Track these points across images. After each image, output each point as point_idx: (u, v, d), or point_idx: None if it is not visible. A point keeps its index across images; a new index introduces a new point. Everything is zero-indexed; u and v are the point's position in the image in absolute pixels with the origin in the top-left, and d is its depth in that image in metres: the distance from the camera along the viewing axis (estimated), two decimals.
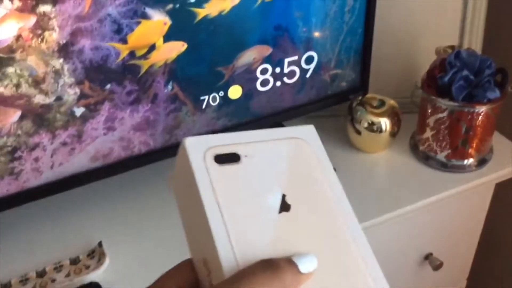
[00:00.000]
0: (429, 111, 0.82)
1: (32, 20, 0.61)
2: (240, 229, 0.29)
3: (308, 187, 0.32)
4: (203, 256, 0.30)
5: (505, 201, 1.09)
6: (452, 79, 0.78)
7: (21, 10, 0.60)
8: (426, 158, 0.87)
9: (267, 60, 0.79)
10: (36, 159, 0.69)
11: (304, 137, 0.34)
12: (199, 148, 0.31)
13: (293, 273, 0.27)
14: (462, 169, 0.85)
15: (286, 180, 0.32)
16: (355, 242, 0.31)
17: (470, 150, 0.84)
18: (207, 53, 0.74)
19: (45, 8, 0.61)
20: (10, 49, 0.61)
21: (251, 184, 0.31)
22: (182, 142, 0.31)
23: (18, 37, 0.61)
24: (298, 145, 0.34)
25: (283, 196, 0.31)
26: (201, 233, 0.29)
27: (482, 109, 0.79)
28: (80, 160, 0.72)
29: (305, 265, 0.28)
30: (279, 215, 0.30)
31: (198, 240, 0.30)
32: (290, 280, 0.27)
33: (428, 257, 0.93)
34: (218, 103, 0.79)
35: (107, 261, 0.71)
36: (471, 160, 0.85)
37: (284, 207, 0.30)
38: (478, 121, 0.80)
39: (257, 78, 0.80)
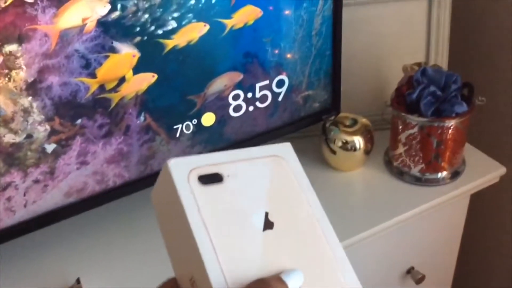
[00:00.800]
0: (400, 127, 0.84)
1: None
2: (227, 249, 0.30)
3: (289, 203, 0.34)
4: (190, 275, 0.30)
5: (482, 211, 1.11)
6: (420, 95, 0.80)
7: None
8: (400, 174, 0.88)
9: (238, 86, 0.80)
10: (9, 199, 0.68)
11: (282, 154, 0.36)
12: (183, 169, 0.31)
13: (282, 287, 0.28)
14: (436, 182, 0.87)
15: (268, 198, 0.33)
16: (334, 255, 0.33)
17: (442, 164, 0.85)
18: (178, 83, 0.74)
19: (11, 47, 0.61)
20: None
21: (235, 204, 0.31)
22: (166, 164, 0.31)
23: None
24: (277, 163, 0.35)
25: (266, 214, 0.32)
26: (188, 252, 0.30)
27: (451, 123, 0.80)
28: (53, 197, 0.72)
29: (293, 281, 0.29)
30: (264, 233, 0.31)
31: (184, 259, 0.31)
32: None
33: (410, 271, 0.94)
34: (192, 131, 0.79)
35: None
36: (444, 173, 0.87)
37: (268, 224, 0.32)
38: (448, 135, 0.82)
39: (229, 104, 0.81)
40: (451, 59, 0.98)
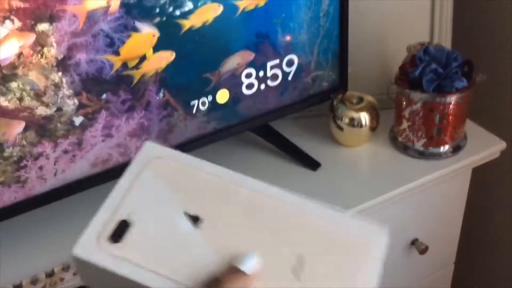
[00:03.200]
0: (404, 104, 0.89)
1: (32, 38, 0.66)
2: (177, 271, 0.29)
3: (195, 191, 0.33)
4: None
5: (484, 185, 1.15)
6: (422, 72, 0.84)
7: (21, 29, 0.65)
8: (404, 148, 0.93)
9: (250, 64, 0.85)
10: (41, 168, 0.74)
11: (151, 156, 0.35)
12: (90, 245, 0.31)
13: (239, 280, 0.27)
14: (438, 156, 0.91)
15: (175, 200, 0.32)
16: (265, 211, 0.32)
17: (444, 138, 0.90)
18: (194, 61, 0.80)
19: (43, 26, 0.66)
20: (13, 66, 0.67)
21: (156, 231, 0.31)
22: (73, 256, 0.31)
23: (20, 55, 0.66)
24: (154, 168, 0.34)
25: (186, 213, 0.32)
26: None
27: (452, 98, 0.85)
28: (81, 167, 0.78)
29: (248, 265, 0.28)
30: (197, 229, 0.31)
31: None
32: (240, 286, 0.27)
33: (414, 242, 0.99)
34: (207, 108, 0.84)
35: None
36: (446, 147, 0.91)
37: (194, 219, 0.31)
38: (449, 110, 0.86)
39: (242, 82, 0.86)
40: (454, 39, 1.02)
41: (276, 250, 0.30)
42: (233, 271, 0.28)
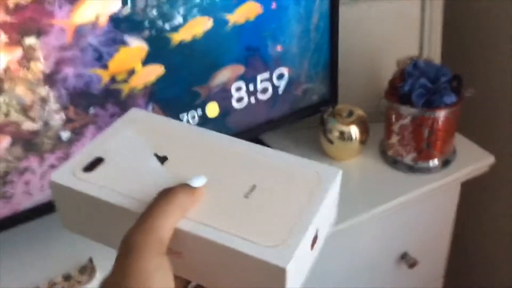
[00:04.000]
0: (394, 118, 0.89)
1: (18, 52, 0.66)
2: (141, 193, 0.33)
3: (167, 140, 0.37)
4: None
5: (473, 199, 1.16)
6: (412, 87, 0.84)
7: (8, 43, 0.64)
8: (394, 162, 0.93)
9: (240, 78, 0.85)
10: (27, 182, 0.73)
11: (134, 117, 0.40)
12: (66, 174, 0.34)
13: (187, 189, 0.32)
14: (428, 170, 0.91)
15: (148, 146, 0.36)
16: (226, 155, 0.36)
17: (434, 152, 0.90)
18: (184, 75, 0.79)
19: (30, 40, 0.66)
20: None
21: (126, 166, 0.35)
22: (51, 181, 0.35)
23: (6, 69, 0.66)
24: (133, 123, 0.39)
25: (155, 154, 0.36)
26: (119, 222, 0.32)
27: (441, 113, 0.85)
28: None
29: (196, 181, 0.33)
30: (164, 167, 0.35)
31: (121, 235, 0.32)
32: (186, 196, 0.31)
33: (403, 256, 0.99)
34: (197, 122, 0.84)
35: (97, 276, 0.75)
36: (436, 162, 0.91)
37: (162, 159, 0.35)
38: (439, 125, 0.87)
39: (232, 96, 0.86)
40: (443, 54, 1.03)
41: (231, 180, 0.34)
42: (181, 185, 0.32)
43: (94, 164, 0.35)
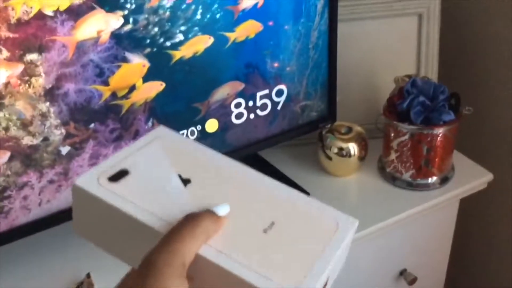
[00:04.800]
0: (392, 135, 0.89)
1: (19, 68, 0.66)
2: (163, 211, 0.33)
3: (191, 162, 0.38)
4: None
5: (471, 215, 1.16)
6: (410, 105, 0.85)
7: (9, 59, 0.65)
8: (393, 179, 0.93)
9: (240, 94, 0.85)
10: (25, 197, 0.73)
11: (161, 135, 0.41)
12: (91, 180, 0.35)
13: (212, 217, 0.32)
14: (426, 187, 0.92)
15: (173, 165, 0.37)
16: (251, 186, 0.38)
17: (432, 169, 0.90)
18: (184, 91, 0.80)
19: (32, 56, 0.66)
20: None
21: (150, 182, 0.36)
22: (75, 185, 0.35)
23: (7, 84, 0.66)
24: (161, 141, 0.40)
25: (179, 176, 0.36)
26: (137, 236, 0.33)
27: (439, 130, 0.86)
28: (66, 197, 0.76)
29: (221, 210, 0.33)
30: (186, 189, 0.36)
31: (136, 248, 0.33)
32: (211, 223, 0.32)
33: (402, 272, 0.98)
34: (196, 137, 0.84)
35: None
36: (434, 179, 0.92)
37: (185, 181, 0.36)
38: (437, 142, 0.87)
39: (231, 112, 0.86)
40: (440, 71, 1.04)
41: (251, 213, 0.35)
42: (207, 211, 0.33)
43: (119, 175, 0.35)
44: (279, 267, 0.31)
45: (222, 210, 0.34)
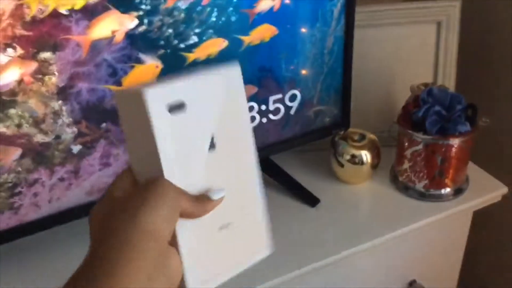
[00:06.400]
0: (406, 144, 0.88)
1: (33, 66, 0.66)
2: (180, 164, 0.37)
3: (232, 125, 0.40)
4: (148, 174, 0.37)
5: (484, 228, 1.14)
6: (426, 114, 0.83)
7: (23, 57, 0.65)
8: (405, 189, 0.92)
9: (253, 98, 0.85)
10: (35, 194, 0.73)
11: (231, 75, 0.41)
12: (157, 101, 0.36)
13: (206, 200, 0.38)
14: (440, 198, 0.90)
15: (217, 121, 0.39)
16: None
17: (446, 180, 0.89)
18: None
19: (45, 55, 0.66)
20: (13, 92, 0.66)
21: (191, 129, 0.38)
22: (142, 92, 0.35)
23: (20, 82, 0.66)
24: (226, 84, 0.40)
25: (212, 138, 0.39)
26: (150, 158, 0.36)
27: (455, 141, 0.84)
28: (76, 195, 0.77)
29: (216, 195, 0.38)
30: (208, 154, 0.39)
31: (145, 162, 0.37)
32: (204, 203, 0.38)
33: (412, 283, 0.97)
34: None
35: None
36: (448, 190, 0.90)
37: (212, 146, 0.39)
38: (452, 153, 0.85)
39: None
40: (458, 81, 1.02)
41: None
42: (203, 195, 0.38)
43: (177, 107, 0.37)
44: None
45: (217, 195, 0.38)
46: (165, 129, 0.36)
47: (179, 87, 0.37)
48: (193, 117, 0.38)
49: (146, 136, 0.36)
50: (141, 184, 0.37)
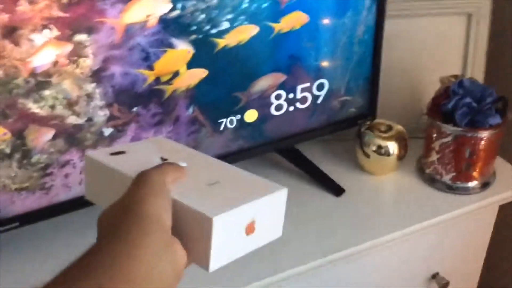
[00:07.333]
0: (434, 136, 0.87)
1: (68, 47, 0.67)
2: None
3: (175, 149, 0.49)
4: None
5: (509, 223, 1.13)
6: (456, 106, 0.83)
7: (59, 38, 0.66)
8: (432, 181, 0.91)
9: (281, 86, 0.85)
10: (66, 175, 0.74)
11: (159, 140, 0.53)
12: (100, 153, 0.47)
13: (174, 165, 0.42)
14: (466, 191, 0.89)
15: (158, 152, 0.47)
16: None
17: (474, 173, 0.88)
18: (226, 80, 0.80)
19: (81, 37, 0.67)
20: (47, 74, 0.67)
21: (139, 157, 0.46)
22: (87, 155, 0.46)
23: (55, 63, 0.67)
24: (157, 140, 0.53)
25: (161, 158, 0.46)
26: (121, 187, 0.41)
27: (484, 134, 0.83)
28: None
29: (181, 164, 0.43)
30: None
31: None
32: (175, 168, 0.42)
33: (435, 276, 0.96)
34: (235, 126, 0.84)
35: None
36: (475, 183, 0.89)
37: (163, 160, 0.46)
38: (481, 146, 0.85)
39: (271, 103, 0.85)
40: (487, 74, 1.01)
41: (203, 174, 0.44)
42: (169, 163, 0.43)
43: (118, 153, 0.47)
44: (210, 203, 0.40)
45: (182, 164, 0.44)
46: (118, 161, 0.45)
47: (114, 147, 0.49)
48: (135, 154, 0.48)
49: (111, 176, 0.44)
50: (133, 182, 0.40)
